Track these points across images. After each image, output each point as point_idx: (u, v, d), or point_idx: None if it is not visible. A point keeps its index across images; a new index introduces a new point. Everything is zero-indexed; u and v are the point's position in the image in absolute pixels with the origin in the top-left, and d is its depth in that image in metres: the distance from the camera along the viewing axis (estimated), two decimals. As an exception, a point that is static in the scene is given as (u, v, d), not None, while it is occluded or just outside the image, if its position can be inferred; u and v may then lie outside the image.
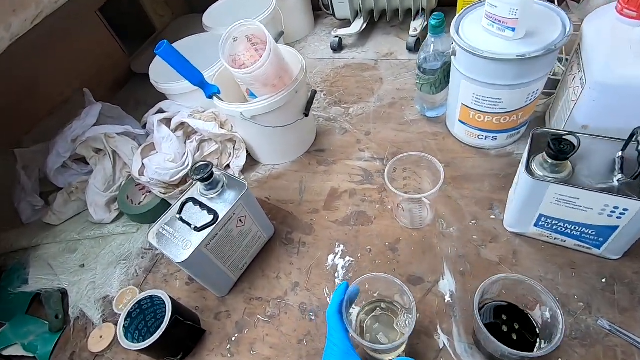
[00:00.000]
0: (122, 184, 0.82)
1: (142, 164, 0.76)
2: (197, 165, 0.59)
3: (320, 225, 0.70)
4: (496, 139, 0.70)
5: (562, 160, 0.47)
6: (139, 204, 0.82)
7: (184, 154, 0.78)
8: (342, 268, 0.63)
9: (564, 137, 0.48)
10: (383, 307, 0.53)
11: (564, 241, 0.56)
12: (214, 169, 0.60)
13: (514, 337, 0.47)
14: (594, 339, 0.49)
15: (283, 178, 0.81)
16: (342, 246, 0.66)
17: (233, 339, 0.59)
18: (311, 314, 0.59)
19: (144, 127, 0.88)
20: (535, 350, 0.46)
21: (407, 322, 0.50)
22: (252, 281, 0.65)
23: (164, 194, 0.76)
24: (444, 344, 0.52)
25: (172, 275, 0.70)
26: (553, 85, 0.70)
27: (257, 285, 0.65)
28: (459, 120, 0.71)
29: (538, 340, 0.46)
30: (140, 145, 0.82)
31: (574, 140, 0.46)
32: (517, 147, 0.72)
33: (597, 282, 0.53)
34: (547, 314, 0.44)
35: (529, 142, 0.54)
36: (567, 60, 0.70)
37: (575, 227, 0.52)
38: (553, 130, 0.53)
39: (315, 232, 0.69)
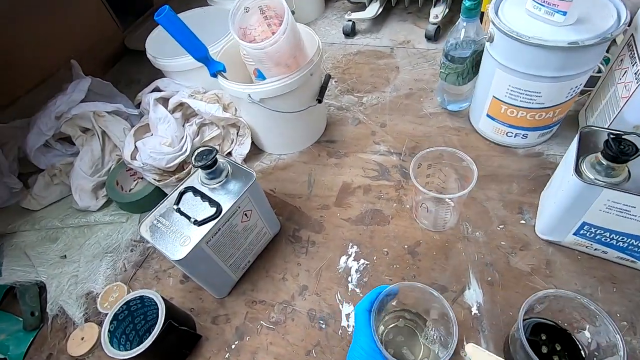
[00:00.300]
0: (112, 168, 0.75)
1: (135, 146, 0.68)
2: (200, 151, 0.52)
3: (331, 223, 0.64)
4: (527, 137, 0.64)
5: (622, 163, 0.42)
6: (130, 191, 0.75)
7: (183, 137, 0.70)
8: (356, 272, 0.57)
9: (623, 136, 0.42)
10: (407, 318, 0.47)
11: (605, 252, 0.50)
12: (217, 156, 0.53)
13: None
14: (641, 364, 0.44)
15: (290, 169, 0.74)
16: (355, 247, 0.60)
17: (233, 346, 0.53)
18: (321, 321, 0.53)
19: (138, 106, 0.80)
20: (581, 376, 0.40)
21: (437, 338, 0.44)
22: (255, 282, 0.59)
23: (158, 181, 0.69)
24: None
25: (165, 272, 0.64)
26: (591, 82, 0.65)
27: (261, 286, 0.58)
28: (487, 115, 0.65)
29: (584, 365, 0.41)
30: (133, 126, 0.74)
31: (638, 141, 0.40)
32: (548, 147, 0.66)
33: (642, 299, 0.48)
34: (601, 339, 0.39)
35: (576, 142, 0.48)
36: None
37: (623, 238, 0.47)
38: (606, 129, 0.47)
39: (325, 231, 0.63)
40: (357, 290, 0.55)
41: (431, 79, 0.85)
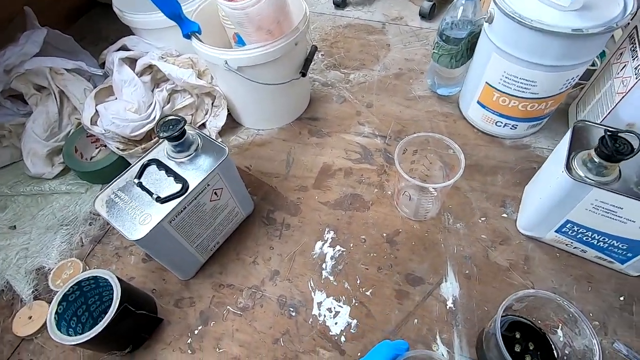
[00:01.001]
0: (70, 132, 0.68)
1: (96, 110, 0.62)
2: (166, 120, 0.47)
3: (308, 206, 0.60)
4: (516, 127, 0.62)
5: (615, 162, 0.40)
6: (91, 159, 0.68)
7: (151, 104, 0.64)
8: (332, 259, 0.54)
9: (619, 134, 0.40)
10: None
11: (584, 251, 0.50)
12: (186, 127, 0.48)
13: (528, 359, 0.41)
14: (609, 364, 0.43)
15: (268, 146, 0.69)
16: (332, 233, 0.57)
17: (196, 332, 0.50)
18: (291, 309, 0.51)
19: (103, 66, 0.73)
20: (552, 377, 0.40)
21: None
22: (224, 265, 0.55)
23: (122, 150, 0.63)
24: (443, 355, 0.46)
25: (126, 249, 0.59)
26: (584, 76, 0.62)
27: (230, 270, 0.55)
28: (478, 102, 0.63)
29: (556, 366, 0.40)
30: (96, 87, 0.67)
31: (634, 140, 0.38)
32: (536, 139, 0.65)
33: (615, 299, 0.48)
34: (576, 342, 0.38)
35: (568, 137, 0.46)
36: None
37: (604, 239, 0.46)
38: (601, 126, 0.45)
39: (301, 214, 0.60)
40: (331, 278, 0.53)
41: (422, 60, 0.81)
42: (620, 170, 0.42)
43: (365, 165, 0.64)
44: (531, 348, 0.42)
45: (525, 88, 0.54)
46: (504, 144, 0.65)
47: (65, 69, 0.67)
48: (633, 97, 0.48)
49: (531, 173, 0.57)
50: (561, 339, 0.41)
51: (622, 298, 0.48)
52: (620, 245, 0.45)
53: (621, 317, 0.46)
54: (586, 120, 0.47)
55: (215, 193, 0.50)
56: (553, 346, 0.41)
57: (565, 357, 0.40)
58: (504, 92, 0.57)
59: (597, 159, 0.41)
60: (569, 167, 0.43)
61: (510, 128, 0.62)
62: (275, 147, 0.69)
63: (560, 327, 0.41)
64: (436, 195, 0.54)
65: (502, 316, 0.43)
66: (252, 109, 0.69)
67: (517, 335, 0.43)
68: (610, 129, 0.40)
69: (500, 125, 0.62)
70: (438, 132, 0.67)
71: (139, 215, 0.44)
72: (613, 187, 0.41)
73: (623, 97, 0.49)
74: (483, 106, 0.62)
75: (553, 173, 0.46)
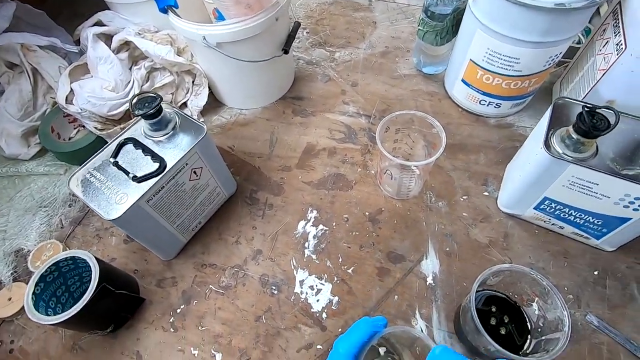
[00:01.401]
0: (46, 112, 0.66)
1: (71, 89, 0.60)
2: (141, 97, 0.45)
3: (291, 186, 0.60)
4: (500, 106, 0.61)
5: (592, 138, 0.40)
6: (70, 139, 0.67)
7: (129, 82, 0.62)
8: (314, 237, 0.55)
9: (597, 110, 0.40)
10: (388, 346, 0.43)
11: (562, 228, 0.50)
12: (163, 104, 0.47)
13: (502, 331, 0.42)
14: (581, 335, 0.45)
15: (251, 126, 0.68)
16: (315, 212, 0.57)
17: (178, 310, 0.50)
18: (273, 287, 0.51)
19: (78, 42, 0.70)
20: (525, 348, 0.41)
21: None
22: (206, 245, 0.55)
23: (100, 130, 0.61)
24: (422, 331, 0.47)
25: (107, 230, 0.58)
26: (569, 54, 0.62)
27: (212, 250, 0.55)
28: (462, 80, 0.62)
29: (529, 338, 0.42)
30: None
31: (611, 116, 0.38)
32: (519, 118, 0.65)
33: (589, 274, 0.49)
34: (549, 314, 0.39)
35: (549, 113, 0.46)
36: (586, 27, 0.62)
37: (581, 215, 0.46)
38: (580, 102, 0.45)
39: (285, 194, 0.59)
40: (314, 256, 0.53)
41: (409, 38, 0.79)
42: (597, 147, 0.42)
43: (349, 145, 0.64)
44: (506, 321, 0.43)
45: (508, 65, 0.54)
46: (488, 123, 0.65)
47: (39, 46, 0.65)
48: (613, 74, 0.47)
49: (513, 152, 0.57)
50: (536, 311, 0.42)
51: (596, 272, 0.49)
52: (595, 221, 0.46)
53: (594, 291, 0.48)
54: (566, 97, 0.46)
55: (195, 172, 0.49)
56: (527, 318, 0.43)
57: (539, 329, 0.41)
58: (487, 70, 0.57)
59: (574, 136, 0.41)
60: (547, 144, 0.43)
61: (494, 107, 0.62)
62: (258, 126, 0.68)
63: (535, 300, 0.42)
64: (418, 174, 0.54)
65: (478, 291, 0.44)
66: (234, 88, 0.67)
67: (493, 309, 0.44)
68: (588, 105, 0.40)
69: (484, 104, 0.62)
70: (423, 111, 0.66)
71: (115, 195, 0.43)
72: (590, 163, 0.41)
73: (604, 74, 0.49)
74: (467, 84, 0.62)
75: (532, 150, 0.46)
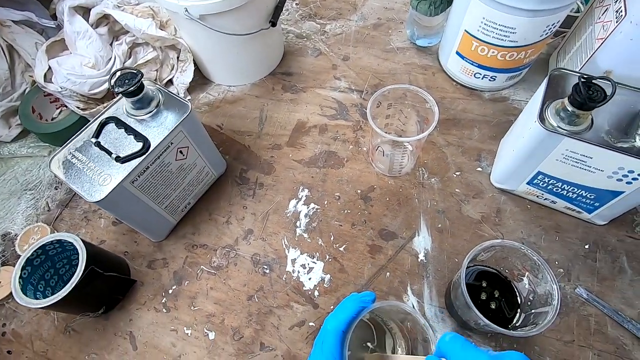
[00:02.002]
0: (26, 91, 0.63)
1: (49, 66, 0.57)
2: (121, 74, 0.43)
3: (281, 165, 0.59)
4: (495, 79, 0.60)
5: (588, 110, 0.39)
6: (53, 120, 0.64)
7: (110, 59, 0.59)
8: (305, 216, 0.54)
9: (593, 81, 0.38)
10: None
11: (554, 202, 0.50)
12: (144, 81, 0.45)
13: (493, 305, 0.43)
14: (570, 308, 0.45)
15: (240, 103, 0.66)
16: (306, 191, 0.56)
17: (170, 291, 0.50)
18: (265, 266, 0.51)
19: (55, 17, 0.66)
20: (515, 321, 0.41)
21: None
22: (197, 225, 0.55)
23: (82, 109, 0.59)
24: (413, 306, 0.47)
25: (95, 212, 0.57)
26: (567, 23, 0.60)
27: (203, 230, 0.54)
28: (457, 52, 0.60)
29: (519, 311, 0.42)
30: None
31: (608, 87, 0.37)
32: (514, 91, 0.63)
33: (580, 248, 0.49)
34: (539, 288, 0.39)
35: (544, 85, 0.44)
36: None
37: (573, 189, 0.46)
38: (577, 73, 0.43)
39: (275, 172, 0.58)
40: (305, 235, 0.52)
41: (402, 9, 0.76)
42: (592, 119, 0.41)
43: (341, 122, 0.63)
44: (496, 295, 0.43)
45: (504, 36, 0.52)
46: (482, 96, 0.63)
47: (13, 21, 0.61)
48: (612, 42, 0.46)
49: (508, 126, 0.56)
50: (526, 286, 0.42)
51: (587, 246, 0.49)
52: (588, 195, 0.46)
53: (585, 264, 0.48)
54: (563, 68, 0.45)
55: (181, 152, 0.48)
56: (517, 293, 0.43)
57: (528, 303, 0.41)
58: (483, 41, 0.55)
59: (570, 108, 0.40)
60: (542, 117, 0.42)
61: (489, 80, 0.60)
62: (247, 104, 0.66)
63: (526, 275, 0.42)
64: (411, 150, 0.53)
65: (469, 267, 0.44)
66: (220, 63, 0.65)
67: (484, 284, 0.44)
68: (585, 76, 0.39)
69: (479, 77, 0.60)
70: (416, 85, 0.65)
71: (98, 176, 0.42)
72: (584, 136, 0.40)
73: (602, 42, 0.47)
74: (462, 57, 0.60)
75: (526, 124, 0.45)
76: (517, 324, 0.41)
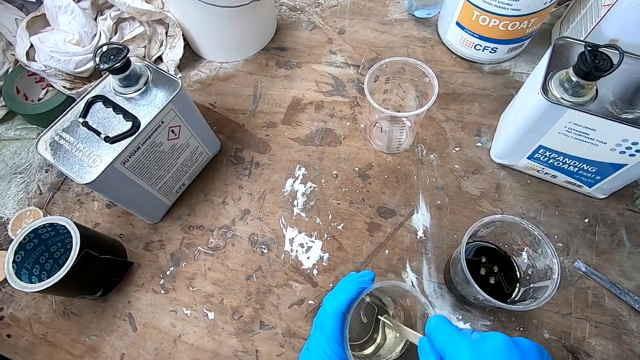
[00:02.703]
0: (9, 71, 0.61)
1: (31, 43, 0.54)
2: (106, 49, 0.41)
3: (277, 143, 0.58)
4: (496, 51, 0.58)
5: (593, 80, 0.37)
6: (39, 100, 0.62)
7: (95, 35, 0.57)
8: (303, 195, 0.53)
9: (599, 49, 0.37)
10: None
11: (555, 177, 0.49)
12: (131, 57, 0.43)
13: (492, 281, 0.43)
14: (568, 281, 0.46)
15: (233, 80, 0.64)
16: (303, 169, 0.55)
17: (168, 273, 0.50)
18: (263, 246, 0.50)
19: (35, -9, 0.63)
20: (513, 296, 0.41)
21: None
22: (192, 207, 0.54)
23: (69, 89, 0.57)
24: (412, 283, 0.47)
25: (89, 195, 0.56)
26: (571, -11, 0.58)
27: (198, 211, 0.53)
28: (457, 23, 0.58)
29: (517, 286, 0.42)
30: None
31: (615, 56, 0.36)
32: (515, 64, 0.61)
33: (580, 222, 0.49)
34: (539, 263, 0.39)
35: (547, 55, 0.43)
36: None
37: (575, 163, 0.45)
38: (582, 42, 0.42)
39: (271, 151, 0.57)
40: (303, 214, 0.52)
41: (400, -22, 0.73)
42: (596, 90, 0.40)
43: (337, 98, 0.61)
44: (495, 270, 0.43)
45: (506, 4, 0.50)
46: (482, 69, 0.61)
47: (-11, -4, 0.58)
48: (619, 9, 0.44)
49: (509, 100, 0.55)
50: (525, 261, 0.42)
51: (586, 220, 0.49)
52: (589, 169, 0.45)
53: (584, 238, 0.48)
54: (567, 37, 0.43)
55: (173, 131, 0.46)
56: (516, 268, 0.43)
57: (527, 277, 0.41)
58: (484, 10, 0.52)
59: (574, 78, 0.38)
60: (545, 89, 0.41)
61: (490, 51, 0.58)
62: (240, 81, 0.64)
63: (525, 250, 0.41)
64: (409, 126, 0.52)
65: (469, 242, 0.44)
66: (210, 38, 0.62)
67: (483, 260, 0.44)
68: (591, 44, 0.37)
69: (479, 49, 0.58)
70: (415, 58, 0.63)
71: (87, 158, 0.41)
72: (588, 107, 0.39)
73: (609, 9, 0.45)
74: (462, 27, 0.57)
75: (529, 96, 0.44)
76: (515, 299, 0.41)
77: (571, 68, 0.39)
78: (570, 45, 0.43)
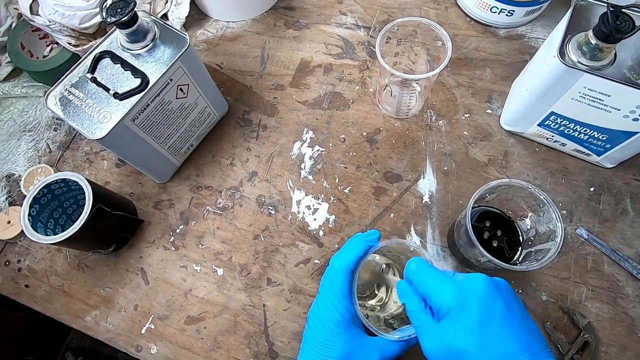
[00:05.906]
0: (13, 26, 0.59)
1: (34, -4, 0.53)
2: (112, 2, 0.40)
3: (285, 106, 0.57)
4: (512, 13, 0.56)
5: (613, 43, 0.36)
6: (44, 57, 0.61)
7: (99, -11, 0.55)
8: (310, 159, 0.53)
9: (622, 10, 0.36)
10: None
11: (564, 145, 0.49)
12: (138, 12, 0.42)
13: (494, 244, 0.44)
14: (569, 247, 0.46)
15: (240, 41, 0.63)
16: (311, 133, 0.55)
17: (177, 230, 0.51)
18: (270, 208, 0.51)
19: (34, -59, 0.60)
20: (515, 258, 0.42)
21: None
22: (200, 167, 0.54)
23: (74, 46, 0.56)
24: (416, 244, 0.48)
25: (98, 154, 0.57)
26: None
27: (207, 172, 0.54)
28: (473, -17, 0.55)
29: (520, 249, 0.43)
30: (29, -32, 0.56)
31: (638, 18, 0.35)
32: (532, 28, 0.59)
33: (585, 190, 0.49)
34: (541, 227, 0.39)
35: (567, 17, 0.41)
36: None
37: (586, 130, 0.45)
38: (604, 3, 0.40)
39: (279, 114, 0.57)
40: (310, 177, 0.52)
41: None
42: (615, 54, 0.39)
43: (347, 61, 0.60)
44: (499, 234, 0.44)
45: (528, -38, 0.48)
46: (497, 34, 0.59)
47: (-12, -56, 0.56)
48: (646, -32, 0.42)
49: (522, 66, 0.53)
50: (528, 225, 0.42)
51: (592, 189, 0.49)
52: (600, 137, 0.45)
53: (588, 206, 0.48)
54: (590, -1, 0.42)
55: (181, 89, 0.46)
56: (519, 232, 0.43)
57: (529, 241, 0.42)
58: (503, -31, 0.50)
59: (593, 41, 0.37)
60: (562, 52, 0.40)
61: (506, 14, 0.56)
62: (248, 41, 0.62)
63: (529, 215, 0.42)
64: (419, 91, 0.51)
65: (474, 207, 0.44)
66: (217, -5, 0.60)
67: (487, 224, 0.44)
68: (614, 5, 0.36)
69: (495, 12, 0.56)
70: (427, 21, 0.61)
71: (97, 113, 0.41)
72: (605, 72, 0.38)
73: (635, -31, 0.43)
74: (479, -12, 0.55)
75: (544, 60, 0.43)
76: (517, 261, 0.42)
77: (591, 30, 0.37)
78: (592, 7, 0.41)
